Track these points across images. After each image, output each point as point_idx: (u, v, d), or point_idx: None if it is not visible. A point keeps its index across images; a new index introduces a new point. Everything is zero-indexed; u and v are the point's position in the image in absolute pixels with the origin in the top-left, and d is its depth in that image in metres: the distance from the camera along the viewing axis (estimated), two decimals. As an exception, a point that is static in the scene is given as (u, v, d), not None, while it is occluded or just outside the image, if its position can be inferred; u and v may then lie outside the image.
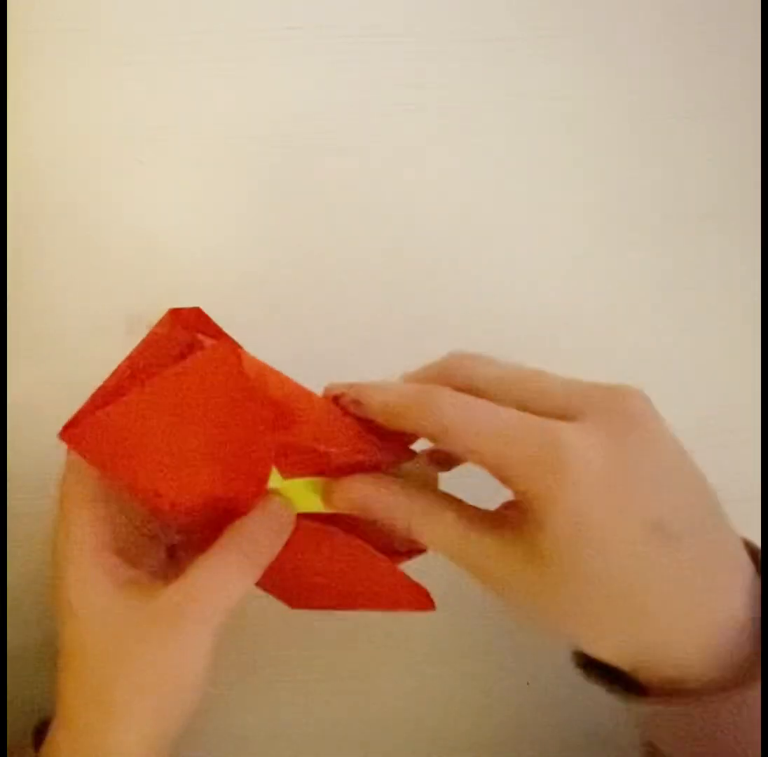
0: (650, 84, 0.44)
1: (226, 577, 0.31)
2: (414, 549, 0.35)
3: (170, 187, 0.41)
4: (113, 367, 0.32)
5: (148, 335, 0.33)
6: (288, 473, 0.33)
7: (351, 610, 0.35)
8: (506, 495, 0.31)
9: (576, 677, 0.32)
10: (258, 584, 0.34)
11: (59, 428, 0.30)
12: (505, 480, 0.30)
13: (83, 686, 0.31)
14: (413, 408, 0.31)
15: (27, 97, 0.40)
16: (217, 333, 0.33)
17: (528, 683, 0.41)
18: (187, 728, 0.32)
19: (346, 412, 0.33)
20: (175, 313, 0.33)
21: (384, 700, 0.42)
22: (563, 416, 0.29)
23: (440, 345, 0.42)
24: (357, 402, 0.32)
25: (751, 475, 0.43)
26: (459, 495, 0.32)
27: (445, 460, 0.35)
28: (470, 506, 0.32)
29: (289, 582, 0.35)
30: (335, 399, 0.33)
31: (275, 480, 0.33)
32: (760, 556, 0.31)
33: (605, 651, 0.30)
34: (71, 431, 0.30)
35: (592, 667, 0.32)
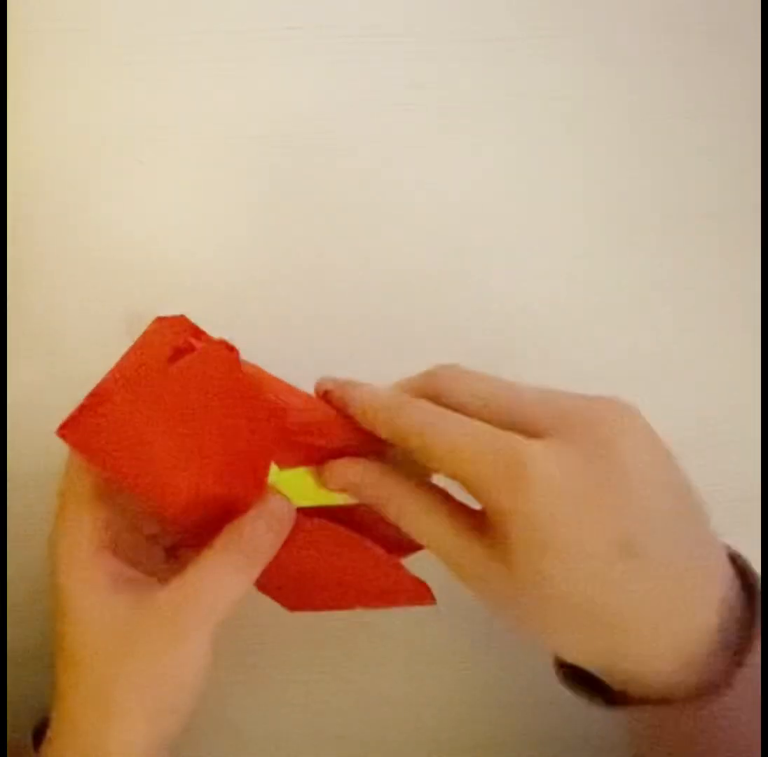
0: (650, 84, 0.44)
1: (225, 576, 0.31)
2: (411, 546, 0.35)
3: (170, 188, 0.41)
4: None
5: (138, 339, 0.33)
6: (284, 463, 0.33)
7: (350, 609, 0.35)
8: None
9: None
10: (257, 585, 0.34)
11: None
12: (471, 492, 0.30)
13: (82, 685, 0.31)
14: (388, 416, 0.32)
15: (27, 97, 0.40)
16: (206, 339, 0.33)
17: (528, 683, 0.41)
18: (187, 728, 0.32)
19: (334, 407, 0.33)
20: (162, 321, 0.33)
21: (384, 700, 0.42)
22: (535, 432, 0.30)
23: (440, 345, 0.42)
24: (341, 400, 0.33)
25: (751, 475, 0.43)
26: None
27: None
28: (456, 500, 0.32)
29: (288, 582, 0.35)
30: (324, 395, 0.34)
31: (272, 472, 0.33)
32: (745, 566, 0.31)
33: (575, 657, 0.31)
34: (68, 429, 0.31)
35: (572, 672, 0.33)
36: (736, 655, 0.29)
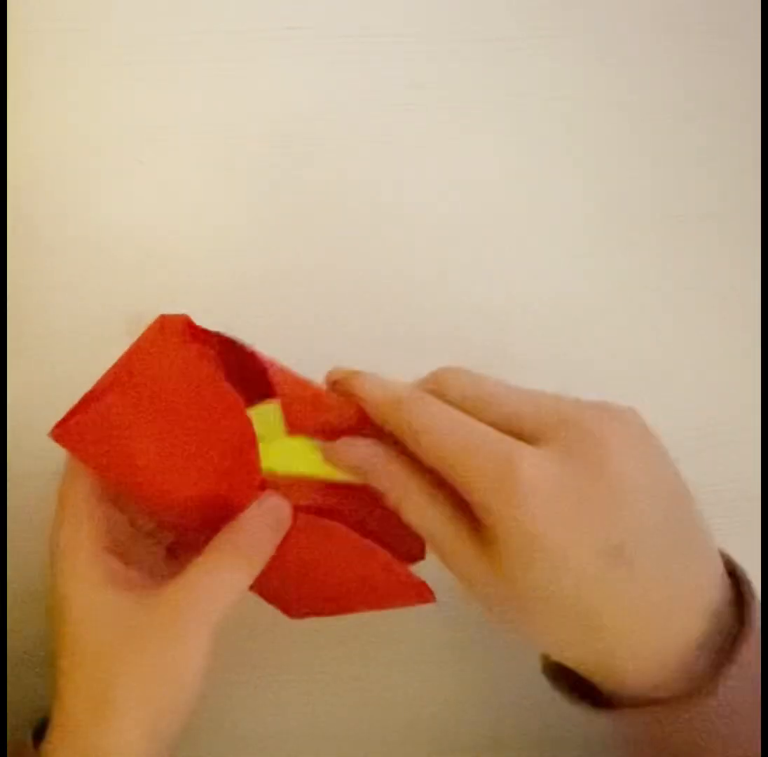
0: (650, 84, 0.44)
1: (225, 576, 0.31)
2: (410, 557, 0.35)
3: (170, 187, 0.41)
4: (113, 367, 0.32)
5: (138, 338, 0.33)
6: (294, 427, 0.33)
7: (349, 613, 0.35)
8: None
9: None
10: (257, 591, 0.34)
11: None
12: (462, 492, 0.30)
13: (81, 685, 0.31)
14: (391, 407, 0.32)
15: (27, 97, 0.40)
16: (206, 337, 0.34)
17: (528, 683, 0.41)
18: (187, 728, 0.32)
19: (345, 397, 0.34)
20: (164, 320, 0.33)
21: (384, 700, 0.42)
22: (531, 437, 0.30)
23: (440, 344, 0.42)
24: (348, 390, 0.33)
25: (751, 475, 0.43)
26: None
27: None
28: (459, 496, 0.32)
29: (287, 585, 0.35)
30: (333, 385, 0.34)
31: (279, 434, 0.33)
32: (738, 572, 0.32)
33: (563, 657, 0.31)
34: (61, 430, 0.31)
35: (561, 673, 0.33)
36: (723, 661, 0.29)
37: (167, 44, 0.41)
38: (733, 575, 0.32)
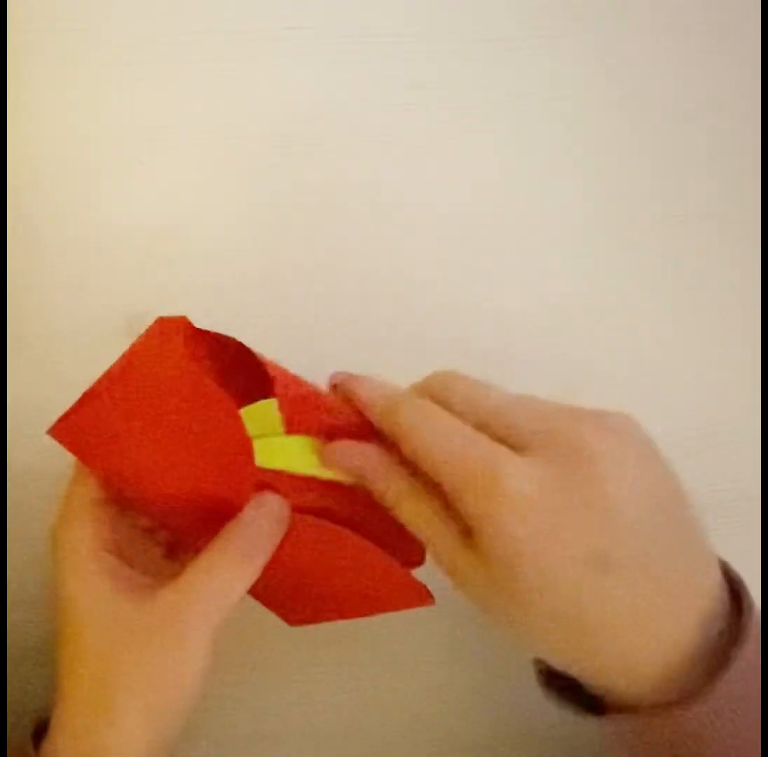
0: (650, 84, 0.44)
1: (224, 576, 0.31)
2: (412, 561, 0.35)
3: (170, 187, 0.41)
4: (113, 367, 0.32)
5: (137, 339, 0.33)
6: (292, 426, 0.33)
7: (348, 618, 0.35)
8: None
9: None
10: (256, 595, 0.34)
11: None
12: (451, 498, 0.30)
13: (81, 686, 0.31)
14: (384, 410, 0.32)
15: (27, 97, 0.40)
16: (204, 339, 0.34)
17: (528, 683, 0.41)
18: (187, 728, 0.32)
19: (345, 399, 0.34)
20: (162, 322, 0.33)
21: (384, 700, 0.42)
22: (520, 445, 0.30)
23: (439, 344, 0.42)
24: (347, 392, 0.34)
25: (751, 475, 0.43)
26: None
27: None
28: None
29: (287, 588, 0.35)
30: (333, 388, 0.34)
31: (277, 431, 0.33)
32: (736, 578, 0.32)
33: (553, 661, 0.31)
34: (58, 427, 0.32)
35: (553, 676, 0.33)
36: (715, 667, 0.29)
37: (167, 44, 0.41)
38: (730, 580, 0.32)
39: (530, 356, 0.43)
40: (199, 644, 0.31)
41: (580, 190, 0.44)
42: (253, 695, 0.41)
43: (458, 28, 0.43)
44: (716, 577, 0.31)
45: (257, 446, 0.33)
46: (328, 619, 0.36)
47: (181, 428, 0.32)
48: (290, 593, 0.35)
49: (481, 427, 0.31)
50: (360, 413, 0.34)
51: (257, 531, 0.32)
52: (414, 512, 0.32)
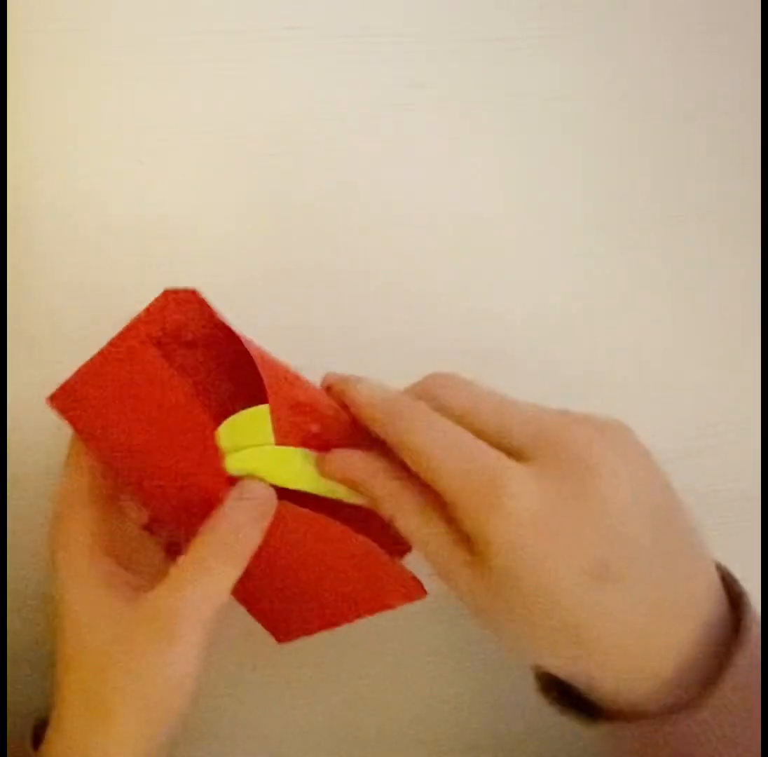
0: (650, 84, 0.44)
1: (210, 572, 0.31)
2: (399, 548, 0.34)
3: (170, 187, 0.41)
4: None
5: (141, 312, 0.33)
6: (282, 437, 0.33)
7: (338, 623, 0.35)
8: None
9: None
10: (246, 605, 0.34)
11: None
12: (449, 507, 0.30)
13: (77, 686, 0.31)
14: (380, 414, 0.32)
15: (27, 97, 0.40)
16: (211, 315, 0.34)
17: (528, 683, 0.41)
18: (187, 728, 0.32)
19: (336, 401, 0.34)
20: (170, 294, 0.33)
21: (384, 700, 0.42)
22: (518, 452, 0.30)
23: (438, 345, 0.42)
24: (342, 394, 0.33)
25: (751, 475, 0.43)
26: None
27: None
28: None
29: (273, 590, 0.34)
30: (328, 389, 0.34)
31: (267, 441, 0.33)
32: (735, 583, 0.32)
33: (551, 668, 0.31)
34: (57, 398, 0.33)
35: (552, 682, 0.33)
36: (715, 673, 0.29)
37: (167, 44, 0.41)
38: (729, 586, 0.32)
39: (529, 357, 0.43)
40: (191, 642, 0.31)
41: (580, 191, 0.44)
42: (253, 695, 0.41)
43: (458, 28, 0.43)
44: (715, 584, 0.31)
45: (247, 456, 0.33)
46: (317, 628, 0.35)
47: (153, 410, 0.32)
48: (278, 597, 0.35)
49: (478, 433, 0.31)
50: (351, 420, 0.33)
51: (240, 521, 0.32)
52: (412, 521, 0.31)
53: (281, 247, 0.42)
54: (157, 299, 0.34)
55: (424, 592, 0.33)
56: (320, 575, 0.34)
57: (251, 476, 0.33)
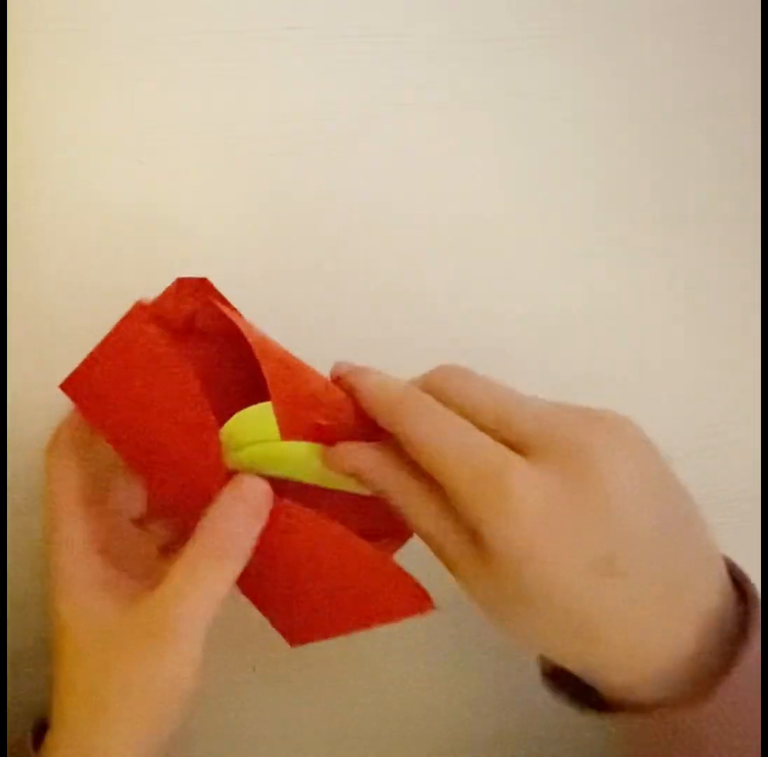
0: (650, 84, 0.44)
1: (206, 572, 0.31)
2: (402, 534, 0.34)
3: (170, 187, 0.41)
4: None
5: (155, 299, 0.33)
6: (287, 431, 0.33)
7: (347, 631, 0.35)
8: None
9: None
10: (259, 606, 0.34)
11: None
12: (454, 499, 0.30)
13: (77, 690, 0.31)
14: (388, 406, 0.32)
15: (27, 97, 0.40)
16: (223, 303, 0.34)
17: (528, 684, 0.41)
18: (187, 728, 0.32)
19: (345, 392, 0.34)
20: (182, 283, 0.33)
21: (384, 700, 0.42)
22: (523, 447, 0.30)
23: (439, 343, 0.42)
24: (352, 387, 0.33)
25: (751, 475, 0.43)
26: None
27: None
28: None
29: (282, 590, 0.34)
30: (337, 380, 0.34)
31: (273, 436, 0.33)
32: (742, 578, 0.32)
33: (557, 660, 0.32)
34: (70, 383, 0.33)
35: (558, 673, 0.33)
36: (720, 666, 0.29)
37: (167, 44, 0.41)
38: (736, 580, 0.32)
39: (529, 357, 0.43)
40: (191, 642, 0.31)
41: (580, 191, 0.44)
42: (253, 695, 0.41)
43: (458, 28, 0.43)
44: (722, 576, 0.31)
45: (254, 452, 0.33)
46: (328, 634, 0.35)
47: (157, 395, 0.32)
48: (289, 600, 0.35)
49: (483, 426, 0.31)
50: (356, 412, 0.33)
51: (235, 518, 0.32)
52: (419, 513, 0.31)
53: (281, 247, 0.42)
54: (169, 287, 0.34)
55: (433, 605, 0.33)
56: (330, 580, 0.34)
57: (259, 472, 0.33)
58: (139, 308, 0.33)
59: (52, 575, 0.32)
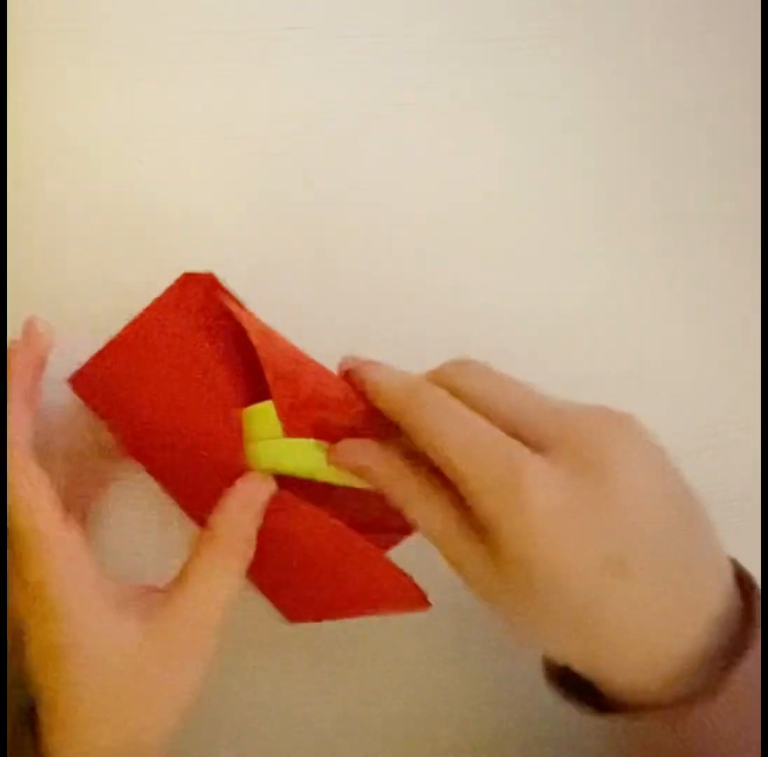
0: (650, 84, 0.44)
1: (217, 576, 0.32)
2: (403, 529, 0.35)
3: (170, 188, 0.41)
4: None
5: (162, 294, 0.33)
6: (290, 428, 0.33)
7: (344, 616, 0.35)
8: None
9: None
10: (258, 586, 0.34)
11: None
12: (465, 495, 0.30)
13: (96, 706, 0.31)
14: (399, 399, 0.32)
15: (27, 97, 0.40)
16: (230, 299, 0.34)
17: (528, 684, 0.41)
18: (187, 728, 0.32)
19: (353, 386, 0.34)
20: (189, 278, 0.33)
21: (384, 700, 0.42)
22: (536, 443, 0.30)
23: (439, 343, 0.42)
24: (361, 381, 0.33)
25: (751, 475, 0.43)
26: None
27: None
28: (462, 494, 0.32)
29: (282, 572, 0.35)
30: (346, 374, 0.34)
31: (277, 434, 0.33)
32: (747, 576, 0.32)
33: (562, 659, 0.31)
34: (76, 380, 0.33)
35: (561, 673, 0.33)
36: (725, 666, 0.29)
37: (167, 44, 0.41)
38: (741, 579, 0.32)
39: (529, 357, 0.43)
40: (208, 647, 0.32)
41: (580, 191, 0.44)
42: (253, 694, 0.41)
43: (458, 28, 0.43)
44: (728, 577, 0.31)
45: (259, 449, 0.33)
46: (327, 616, 0.36)
47: (180, 386, 0.32)
48: (285, 581, 0.35)
49: (496, 421, 0.30)
50: (361, 408, 0.33)
51: (240, 522, 0.32)
52: (424, 510, 0.31)
53: (281, 247, 0.42)
54: (176, 282, 0.34)
55: (428, 604, 0.33)
56: (326, 570, 0.34)
57: (265, 469, 0.33)
58: (155, 307, 0.33)
59: (62, 605, 0.31)
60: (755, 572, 0.33)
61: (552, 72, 0.44)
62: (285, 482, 0.33)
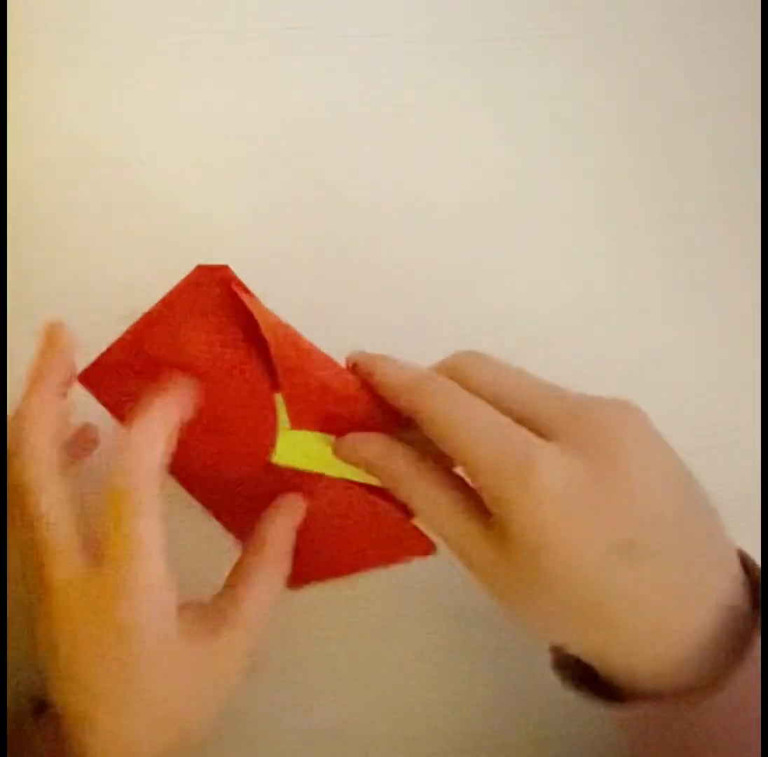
0: (650, 84, 0.44)
1: (266, 586, 0.33)
2: (423, 549, 0.35)
3: (170, 188, 0.41)
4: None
5: (176, 287, 0.33)
6: (297, 421, 0.33)
7: (349, 573, 0.35)
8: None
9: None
10: None
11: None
12: (476, 484, 0.30)
13: (152, 715, 0.31)
14: (409, 390, 0.32)
15: (27, 97, 0.40)
16: (244, 291, 0.34)
17: (528, 684, 0.41)
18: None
19: (362, 381, 0.34)
20: (203, 270, 0.33)
21: (385, 700, 0.42)
22: (546, 431, 0.30)
23: (439, 343, 0.42)
24: (370, 373, 0.33)
25: (751, 475, 0.43)
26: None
27: None
28: (467, 486, 0.32)
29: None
30: (353, 367, 0.34)
31: (284, 427, 0.33)
32: (753, 566, 0.31)
33: (571, 648, 0.31)
34: (87, 375, 0.33)
35: (569, 664, 0.33)
36: (734, 655, 0.29)
37: (167, 44, 0.41)
38: (748, 569, 0.31)
39: (529, 356, 0.43)
40: (252, 654, 0.33)
41: (580, 191, 0.44)
42: (253, 694, 0.41)
43: (458, 28, 0.43)
44: (735, 564, 0.31)
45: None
46: (327, 575, 0.35)
47: (208, 376, 0.32)
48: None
49: (505, 411, 0.31)
50: (368, 402, 0.33)
51: (286, 536, 0.34)
52: (429, 501, 0.31)
53: (281, 247, 0.42)
54: (190, 274, 0.34)
55: (435, 548, 0.33)
56: (332, 524, 0.34)
57: (275, 462, 0.33)
58: (170, 299, 0.33)
59: (134, 638, 0.30)
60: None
61: (552, 72, 0.44)
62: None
